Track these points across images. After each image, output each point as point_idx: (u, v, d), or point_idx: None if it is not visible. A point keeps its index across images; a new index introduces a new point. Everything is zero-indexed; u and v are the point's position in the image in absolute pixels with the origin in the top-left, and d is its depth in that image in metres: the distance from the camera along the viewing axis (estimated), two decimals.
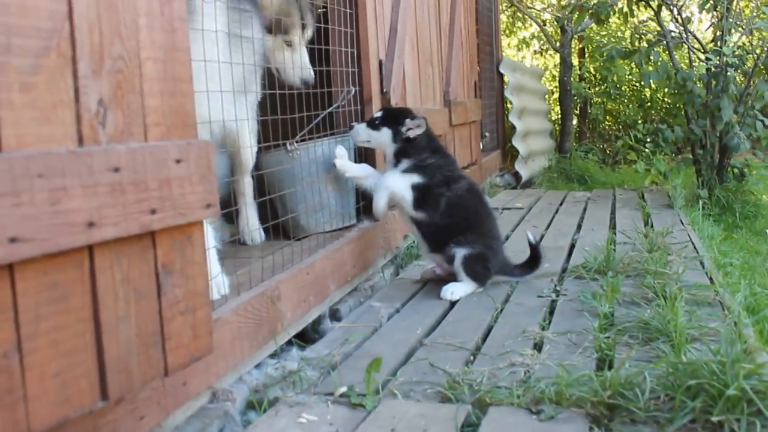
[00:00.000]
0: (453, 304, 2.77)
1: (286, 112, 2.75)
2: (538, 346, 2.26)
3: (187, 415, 1.79)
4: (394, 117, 2.89)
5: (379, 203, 2.90)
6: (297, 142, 2.96)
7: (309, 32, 2.90)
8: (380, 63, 3.48)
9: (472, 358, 2.19)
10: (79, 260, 1.31)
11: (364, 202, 3.26)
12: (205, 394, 1.87)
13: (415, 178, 2.84)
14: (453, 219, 2.85)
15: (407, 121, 2.84)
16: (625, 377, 1.77)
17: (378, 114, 2.95)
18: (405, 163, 2.87)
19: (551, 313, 2.62)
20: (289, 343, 2.33)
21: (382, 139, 2.90)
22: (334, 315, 2.72)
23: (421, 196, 2.84)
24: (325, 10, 3.18)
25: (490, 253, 2.88)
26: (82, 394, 1.31)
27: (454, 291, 2.81)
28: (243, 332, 2.01)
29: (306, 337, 2.49)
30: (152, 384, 1.59)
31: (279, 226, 2.84)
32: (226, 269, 2.19)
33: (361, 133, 2.95)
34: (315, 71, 3.01)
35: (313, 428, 1.76)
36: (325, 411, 1.83)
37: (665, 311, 2.27)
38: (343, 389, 1.92)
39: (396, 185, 2.86)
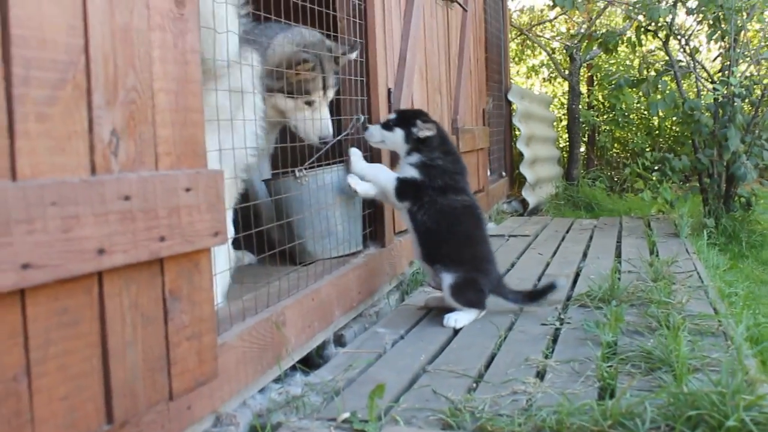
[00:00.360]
0: (457, 331, 2.78)
1: (295, 140, 2.80)
2: (540, 375, 2.26)
3: None
4: (406, 118, 2.98)
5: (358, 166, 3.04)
6: (306, 169, 3.01)
7: (331, 93, 2.94)
8: (389, 91, 3.53)
9: (474, 385, 2.20)
10: (89, 286, 1.34)
11: (371, 228, 3.29)
12: (209, 418, 1.88)
13: (411, 172, 2.91)
14: (440, 227, 2.87)
15: (418, 122, 2.93)
16: (626, 407, 1.78)
17: (392, 116, 3.05)
18: (415, 157, 2.94)
19: (554, 341, 2.62)
20: (293, 368, 2.34)
21: (395, 139, 2.98)
22: (339, 340, 2.74)
23: (403, 186, 2.91)
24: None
25: (479, 275, 2.88)
26: (88, 417, 1.34)
27: (457, 319, 2.82)
28: (248, 357, 2.03)
29: (310, 363, 2.51)
30: (157, 408, 1.60)
31: (285, 251, 2.87)
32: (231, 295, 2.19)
33: (376, 133, 3.03)
34: None
35: None
36: None
37: (668, 341, 2.27)
38: (346, 415, 1.94)
39: (384, 177, 2.97)
